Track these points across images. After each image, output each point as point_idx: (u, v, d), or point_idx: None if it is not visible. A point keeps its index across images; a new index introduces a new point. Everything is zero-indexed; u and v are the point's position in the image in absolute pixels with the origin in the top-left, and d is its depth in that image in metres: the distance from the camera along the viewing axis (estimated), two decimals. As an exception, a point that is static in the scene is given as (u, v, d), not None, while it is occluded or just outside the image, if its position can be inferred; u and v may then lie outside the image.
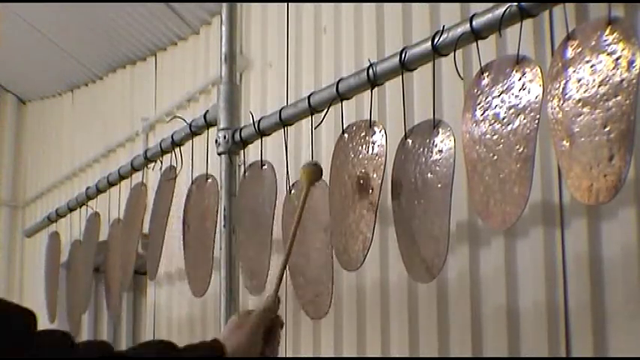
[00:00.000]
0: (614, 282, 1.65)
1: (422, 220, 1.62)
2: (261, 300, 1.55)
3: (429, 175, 1.61)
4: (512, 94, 1.48)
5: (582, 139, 1.34)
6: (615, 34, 1.33)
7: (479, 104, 1.53)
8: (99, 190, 2.87)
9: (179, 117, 2.48)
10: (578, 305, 1.71)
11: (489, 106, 1.52)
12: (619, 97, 1.30)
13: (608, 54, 1.33)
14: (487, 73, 1.54)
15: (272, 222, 2.03)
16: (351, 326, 2.29)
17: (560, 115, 1.38)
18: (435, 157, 1.61)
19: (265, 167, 2.08)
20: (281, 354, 2.53)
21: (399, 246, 1.67)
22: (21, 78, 4.84)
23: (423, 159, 1.63)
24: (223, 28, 2.22)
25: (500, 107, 1.49)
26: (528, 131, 1.44)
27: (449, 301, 2.00)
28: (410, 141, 1.68)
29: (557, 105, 1.39)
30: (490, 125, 1.50)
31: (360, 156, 1.77)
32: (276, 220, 2.02)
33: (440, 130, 1.62)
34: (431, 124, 1.64)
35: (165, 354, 1.35)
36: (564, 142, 1.37)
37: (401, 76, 1.73)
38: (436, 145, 1.61)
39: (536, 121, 1.43)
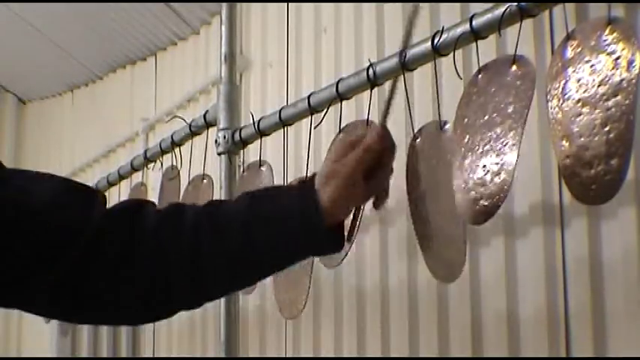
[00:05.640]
0: (614, 282, 1.65)
1: (438, 220, 1.61)
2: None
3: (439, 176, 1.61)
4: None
5: (582, 139, 1.34)
6: (615, 34, 1.32)
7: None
8: (99, 190, 2.87)
9: (179, 117, 2.48)
10: (578, 305, 1.71)
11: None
12: (618, 97, 1.30)
13: (607, 54, 1.33)
14: (484, 73, 1.54)
15: None
16: (351, 326, 2.29)
17: (559, 115, 1.38)
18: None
19: (263, 167, 2.07)
20: (281, 354, 2.55)
21: (420, 248, 1.65)
22: (21, 78, 4.83)
23: (435, 161, 1.62)
24: (223, 28, 2.22)
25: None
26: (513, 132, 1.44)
27: (449, 301, 2.00)
28: (419, 141, 1.66)
29: (557, 105, 1.39)
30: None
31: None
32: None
33: (447, 129, 1.61)
34: (437, 125, 1.64)
35: (254, 210, 1.15)
36: (564, 142, 1.37)
37: (402, 76, 1.72)
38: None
39: (523, 120, 1.42)
